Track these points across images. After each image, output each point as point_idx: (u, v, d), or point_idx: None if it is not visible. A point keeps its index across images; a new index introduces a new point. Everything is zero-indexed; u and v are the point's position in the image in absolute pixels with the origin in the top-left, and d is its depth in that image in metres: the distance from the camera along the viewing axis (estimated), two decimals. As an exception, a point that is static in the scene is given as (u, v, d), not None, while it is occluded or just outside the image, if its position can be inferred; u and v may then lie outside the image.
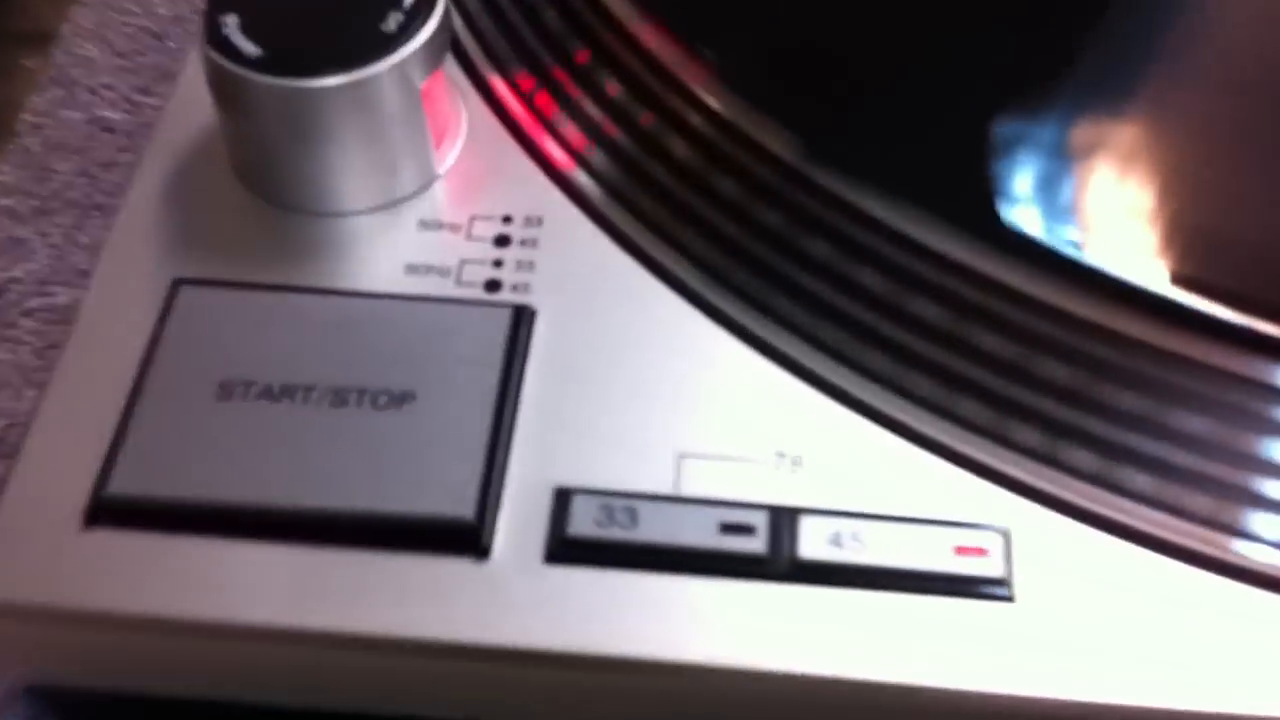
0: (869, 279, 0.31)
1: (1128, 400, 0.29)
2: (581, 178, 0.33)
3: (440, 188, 0.33)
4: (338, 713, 0.29)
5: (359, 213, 0.32)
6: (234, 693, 0.28)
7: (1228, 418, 0.29)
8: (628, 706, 0.27)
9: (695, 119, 0.33)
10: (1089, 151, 0.33)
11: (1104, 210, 0.32)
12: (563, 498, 0.28)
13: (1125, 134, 0.33)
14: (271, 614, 0.27)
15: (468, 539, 0.28)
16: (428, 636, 0.27)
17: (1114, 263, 0.30)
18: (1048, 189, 0.32)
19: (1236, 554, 0.28)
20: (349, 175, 0.32)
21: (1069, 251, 0.30)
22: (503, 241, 0.32)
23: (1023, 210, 0.31)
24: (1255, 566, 0.27)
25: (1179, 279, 0.30)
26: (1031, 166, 0.32)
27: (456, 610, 0.27)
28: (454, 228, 0.32)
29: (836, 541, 0.27)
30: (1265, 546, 0.27)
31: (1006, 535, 0.28)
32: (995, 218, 0.31)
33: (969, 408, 0.29)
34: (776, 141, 0.32)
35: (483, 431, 0.29)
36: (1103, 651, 0.26)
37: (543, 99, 0.35)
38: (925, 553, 0.27)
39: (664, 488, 0.28)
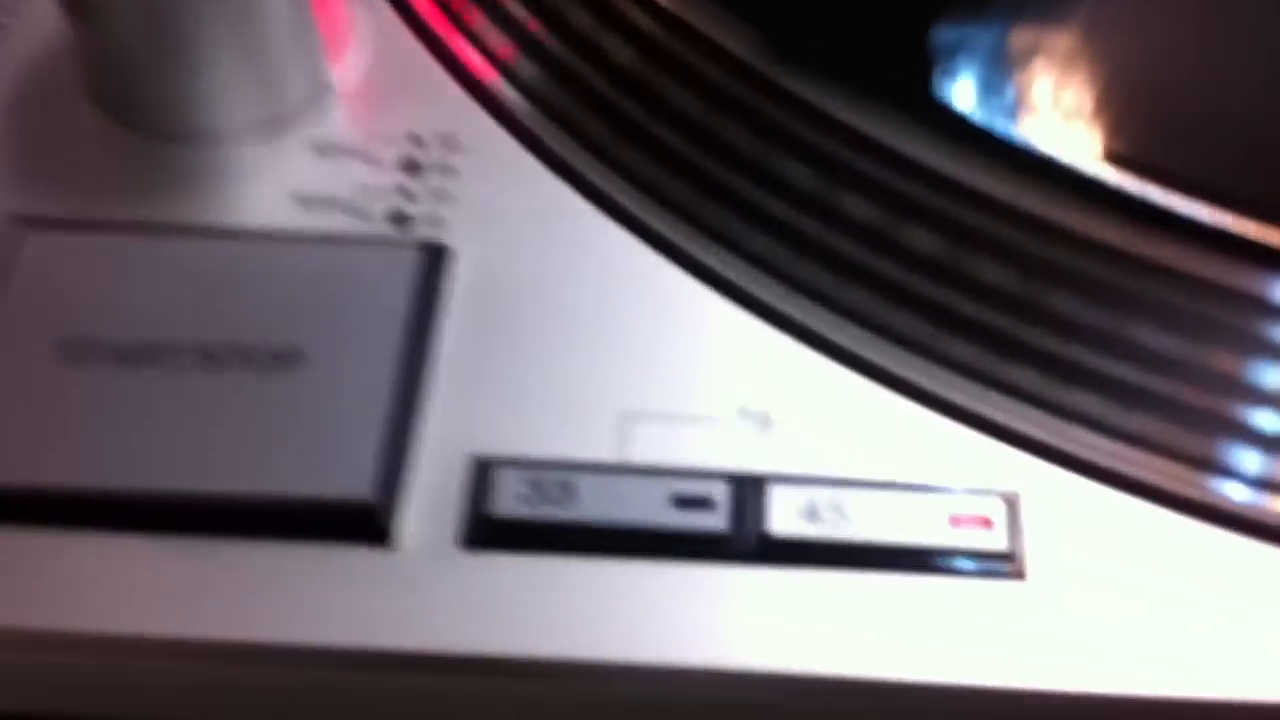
0: (848, 203, 0.26)
1: (1157, 338, 0.24)
2: (505, 89, 0.29)
3: (335, 104, 0.28)
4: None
5: (237, 136, 0.28)
6: (97, 708, 0.24)
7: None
8: (564, 717, 0.23)
9: (639, 17, 0.29)
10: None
11: (1115, 120, 0.27)
12: (483, 470, 0.24)
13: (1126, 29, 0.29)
14: (136, 623, 0.23)
15: (367, 524, 0.23)
16: (322, 642, 0.22)
17: (1130, 182, 0.26)
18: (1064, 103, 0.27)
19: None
20: (223, 89, 0.27)
21: (1086, 168, 0.26)
22: (411, 167, 0.27)
23: (1038, 124, 0.27)
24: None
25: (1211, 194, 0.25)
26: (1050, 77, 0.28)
27: (356, 609, 0.23)
28: (352, 151, 0.28)
29: (812, 514, 0.23)
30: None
31: (1013, 501, 0.23)
32: (1003, 135, 0.26)
33: (966, 351, 0.25)
34: (734, 40, 0.27)
35: (385, 395, 0.24)
36: (1130, 637, 0.22)
37: (459, 3, 0.30)
38: (917, 525, 0.23)
39: (606, 455, 0.24)
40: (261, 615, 0.23)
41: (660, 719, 0.23)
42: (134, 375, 0.24)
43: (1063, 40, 0.29)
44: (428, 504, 0.24)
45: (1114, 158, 0.26)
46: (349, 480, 0.23)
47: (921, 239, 0.26)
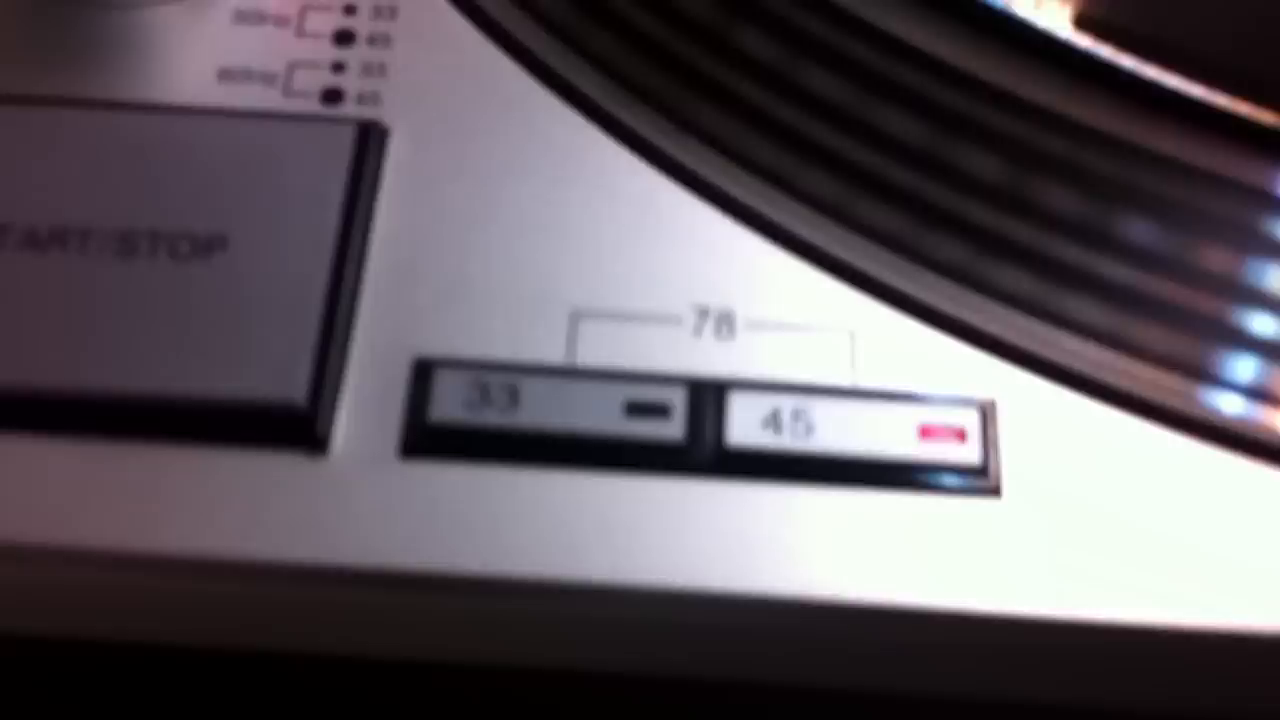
0: (818, 79, 0.24)
1: (1150, 234, 0.23)
2: (450, -44, 0.27)
3: (266, -31, 0.26)
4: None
5: (153, 2, 0.25)
6: (13, 626, 0.22)
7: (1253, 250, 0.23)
8: (509, 637, 0.22)
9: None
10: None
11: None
12: (423, 372, 0.22)
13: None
14: (49, 530, 0.21)
15: (298, 428, 0.21)
16: (249, 555, 0.21)
17: (1124, 59, 0.24)
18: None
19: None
20: (138, -50, 0.25)
21: (1072, 41, 0.24)
22: (345, 38, 0.25)
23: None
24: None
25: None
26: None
27: (287, 521, 0.21)
28: (281, 20, 0.25)
29: (774, 423, 0.22)
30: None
31: (988, 410, 0.22)
32: (986, 4, 0.24)
33: (946, 248, 0.24)
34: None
35: (316, 287, 0.22)
36: (1114, 558, 0.21)
37: None
38: (885, 436, 0.22)
39: (554, 358, 0.22)
40: (185, 525, 0.21)
41: (612, 640, 0.22)
42: (43, 261, 0.22)
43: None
44: (365, 408, 0.22)
45: (1103, 28, 0.24)
46: (280, 382, 0.22)
47: (899, 123, 0.24)
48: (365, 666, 0.23)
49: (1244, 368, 0.22)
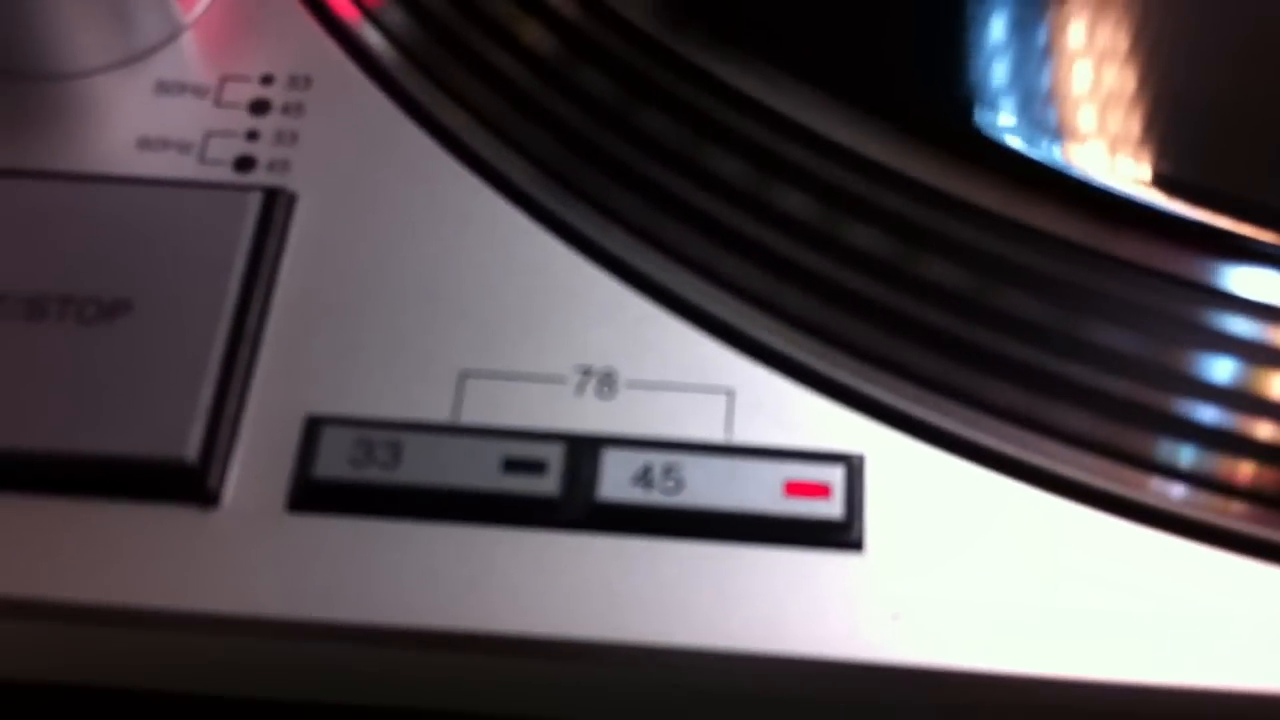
0: (713, 157, 0.26)
1: (1015, 303, 0.24)
2: (368, 32, 0.28)
3: (188, 40, 0.28)
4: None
5: (81, 74, 0.27)
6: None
7: (1132, 324, 0.24)
8: (385, 683, 0.23)
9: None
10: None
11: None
12: (313, 429, 0.24)
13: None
14: (-51, 579, 0.23)
15: (189, 482, 0.23)
16: (141, 603, 0.23)
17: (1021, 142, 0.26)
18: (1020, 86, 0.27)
19: (1147, 492, 0.23)
20: (65, 22, 0.27)
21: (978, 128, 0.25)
22: (260, 108, 0.27)
23: (912, 87, 0.26)
24: (1157, 504, 0.23)
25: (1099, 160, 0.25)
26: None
27: (177, 570, 0.23)
28: (200, 91, 0.27)
29: (645, 479, 0.23)
30: (1162, 480, 0.23)
31: (855, 468, 0.23)
32: (879, 88, 0.26)
33: (829, 317, 0.25)
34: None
35: (214, 347, 0.24)
36: (972, 611, 0.22)
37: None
38: (751, 492, 0.23)
39: (441, 416, 0.24)
40: (81, 574, 0.23)
41: (484, 687, 0.23)
42: (-45, 325, 0.24)
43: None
44: (257, 463, 0.24)
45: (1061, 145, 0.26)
46: (171, 439, 0.23)
47: (794, 200, 0.26)
48: (255, 706, 0.24)
49: (1085, 423, 0.23)
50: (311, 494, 0.23)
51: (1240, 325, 0.24)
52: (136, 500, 0.23)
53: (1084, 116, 0.27)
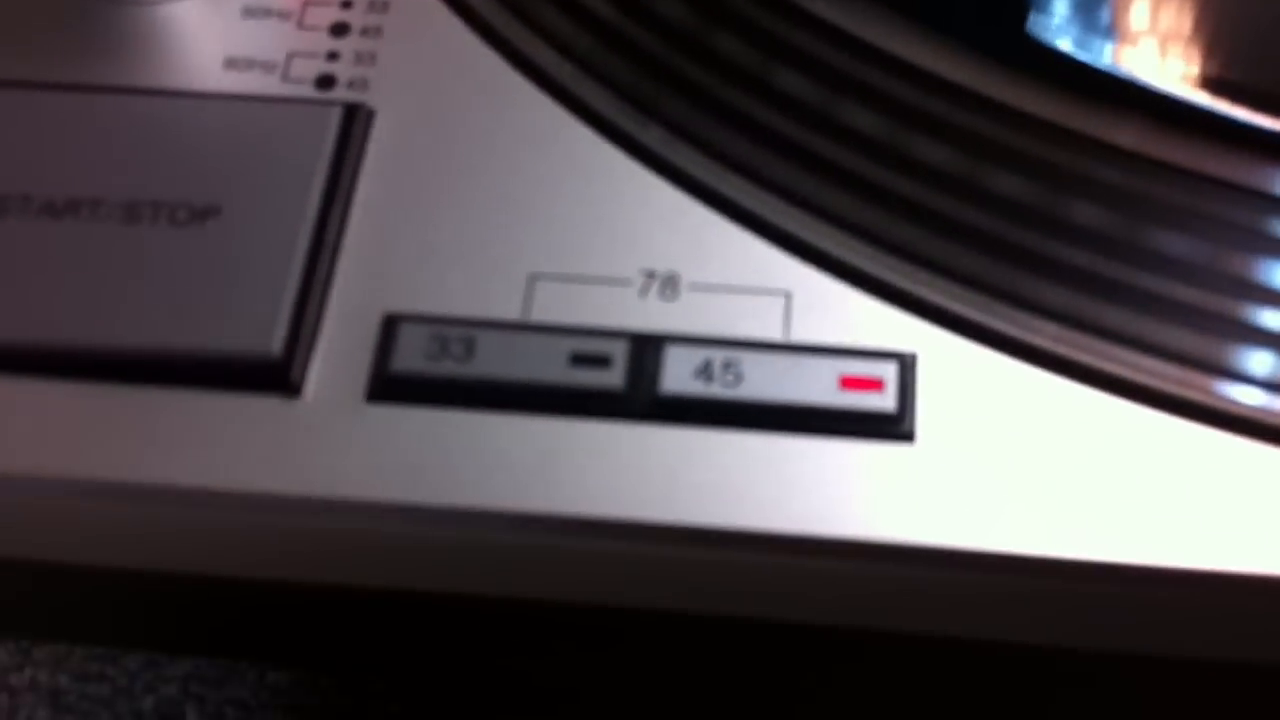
0: (780, 75, 0.27)
1: (1072, 210, 0.25)
2: (441, -44, 0.30)
3: (271, -32, 0.29)
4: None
5: (171, -1, 0.29)
6: (21, 552, 0.26)
7: (1187, 228, 0.25)
8: (457, 567, 0.25)
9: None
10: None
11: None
12: (390, 326, 0.25)
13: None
14: (51, 464, 0.24)
15: (274, 375, 0.25)
16: (230, 486, 0.24)
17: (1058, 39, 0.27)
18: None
19: (1192, 388, 0.24)
20: (155, -48, 0.28)
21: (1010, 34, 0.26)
22: (340, 30, 0.29)
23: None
24: (1203, 400, 0.24)
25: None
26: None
27: (263, 457, 0.24)
28: (284, 14, 0.29)
29: (706, 374, 0.24)
30: (1208, 377, 0.24)
31: (907, 364, 0.24)
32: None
33: (889, 225, 0.26)
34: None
35: (297, 250, 0.25)
36: (1018, 499, 0.23)
37: None
38: (807, 386, 0.24)
39: (512, 314, 0.25)
40: (175, 459, 0.24)
41: (552, 570, 0.25)
42: (58, 228, 0.26)
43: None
44: (338, 357, 0.25)
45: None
46: (256, 335, 0.25)
47: (858, 115, 0.27)
48: (338, 592, 0.26)
49: (1133, 323, 0.24)
50: (389, 386, 0.25)
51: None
52: (226, 391, 0.25)
53: (1139, 19, 0.27)
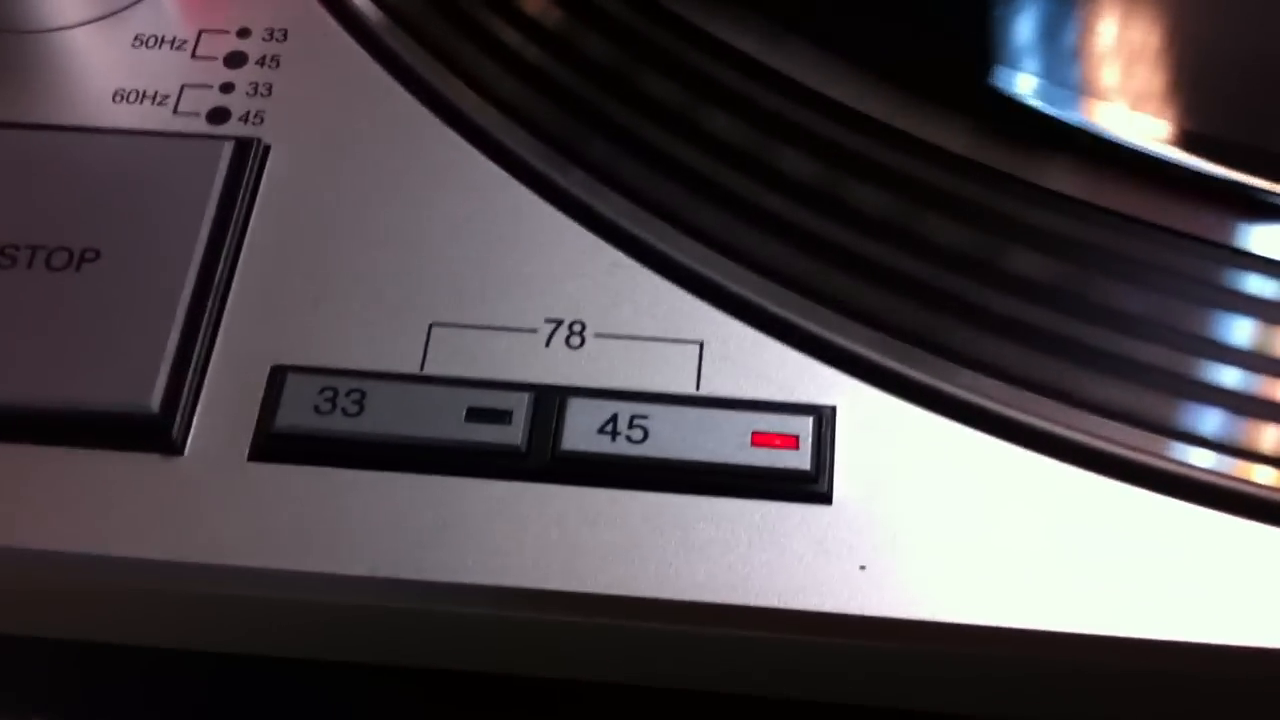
0: (709, 117, 0.26)
1: (1015, 260, 0.24)
2: (344, -16, 0.29)
3: (168, -3, 0.29)
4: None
5: (57, 27, 0.28)
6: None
7: (1081, 266, 0.24)
8: (344, 635, 0.24)
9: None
10: None
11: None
12: (277, 378, 0.24)
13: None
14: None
15: (154, 432, 0.24)
16: (104, 550, 0.23)
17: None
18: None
19: (1119, 446, 0.23)
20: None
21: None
22: (236, 60, 0.28)
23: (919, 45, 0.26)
24: (1143, 460, 0.23)
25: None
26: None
27: (139, 519, 0.23)
28: (177, 44, 0.28)
29: (610, 429, 0.23)
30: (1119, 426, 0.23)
31: (825, 418, 0.23)
32: (880, 44, 0.26)
33: (813, 271, 0.25)
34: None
35: (181, 296, 0.24)
36: (940, 566, 0.22)
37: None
38: (716, 442, 0.23)
39: (411, 365, 0.24)
40: (46, 521, 0.23)
41: (444, 640, 0.24)
42: (-74, 274, 0.25)
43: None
44: (221, 413, 0.24)
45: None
46: (135, 388, 0.24)
47: (786, 158, 0.26)
48: (211, 658, 0.25)
49: (1082, 381, 0.23)
50: (274, 444, 0.24)
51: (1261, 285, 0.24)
52: (102, 448, 0.24)
53: (1097, 70, 0.27)
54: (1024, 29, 0.27)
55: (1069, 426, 0.23)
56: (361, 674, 0.26)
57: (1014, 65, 0.26)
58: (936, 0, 0.28)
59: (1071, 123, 0.26)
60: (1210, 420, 0.23)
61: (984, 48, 0.27)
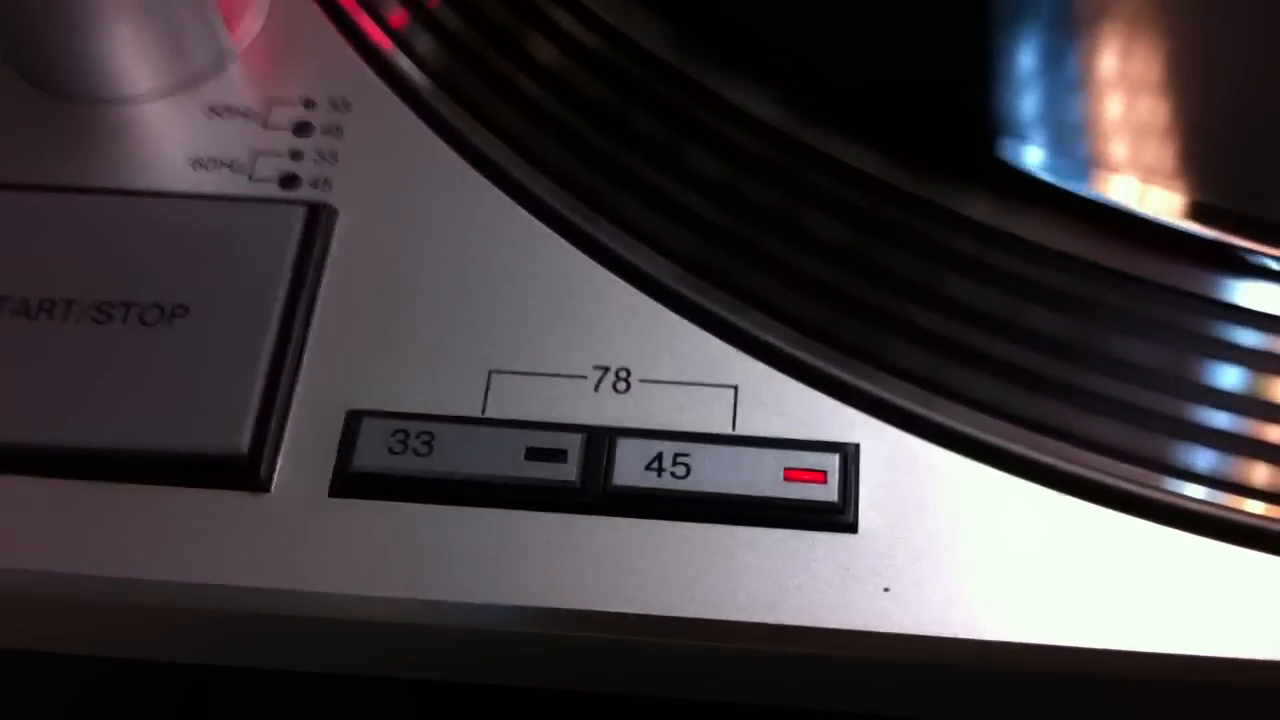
0: (753, 190, 0.29)
1: (1027, 315, 0.27)
2: (401, 60, 0.32)
3: (236, 68, 0.31)
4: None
5: (139, 99, 0.31)
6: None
7: (1084, 320, 0.27)
8: (415, 652, 0.26)
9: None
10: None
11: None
12: (353, 422, 0.27)
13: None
14: (26, 559, 0.26)
15: (243, 472, 0.26)
16: (198, 579, 0.26)
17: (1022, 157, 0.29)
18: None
19: (1118, 480, 0.26)
20: (123, 52, 0.30)
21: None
22: (303, 129, 0.30)
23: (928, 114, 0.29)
24: (1143, 493, 0.26)
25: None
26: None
27: (230, 551, 0.26)
28: (249, 114, 0.31)
29: (656, 466, 0.26)
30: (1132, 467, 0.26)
31: (850, 455, 0.26)
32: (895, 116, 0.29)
33: (837, 322, 0.28)
34: (603, 4, 0.30)
35: (263, 349, 0.27)
36: (955, 585, 0.25)
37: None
38: (752, 477, 0.26)
39: (472, 408, 0.27)
40: (146, 555, 0.26)
41: (509, 658, 0.26)
42: (32, 329, 0.27)
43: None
44: (302, 453, 0.27)
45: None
46: (225, 434, 0.26)
47: (812, 218, 0.29)
48: (303, 677, 0.27)
49: (1079, 420, 0.26)
50: (352, 482, 0.26)
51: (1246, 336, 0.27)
52: (196, 486, 0.26)
53: (1099, 143, 0.29)
54: (1026, 106, 0.30)
55: (1072, 462, 0.26)
56: (364, 683, 0.28)
57: (1020, 137, 0.29)
58: (927, 69, 0.31)
59: (1073, 190, 0.29)
60: (1202, 457, 0.26)
61: (990, 122, 0.29)
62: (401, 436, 0.27)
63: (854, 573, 0.25)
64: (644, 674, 0.26)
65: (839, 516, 0.26)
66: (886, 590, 0.25)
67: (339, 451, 0.27)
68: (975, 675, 0.25)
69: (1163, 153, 0.29)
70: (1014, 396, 0.27)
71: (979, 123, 0.30)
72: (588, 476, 0.26)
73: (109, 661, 0.28)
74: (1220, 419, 0.26)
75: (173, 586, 0.26)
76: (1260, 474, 0.26)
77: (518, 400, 0.27)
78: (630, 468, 0.26)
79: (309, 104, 0.31)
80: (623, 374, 0.27)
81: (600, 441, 0.26)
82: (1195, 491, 0.26)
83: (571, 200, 0.29)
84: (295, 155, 0.30)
